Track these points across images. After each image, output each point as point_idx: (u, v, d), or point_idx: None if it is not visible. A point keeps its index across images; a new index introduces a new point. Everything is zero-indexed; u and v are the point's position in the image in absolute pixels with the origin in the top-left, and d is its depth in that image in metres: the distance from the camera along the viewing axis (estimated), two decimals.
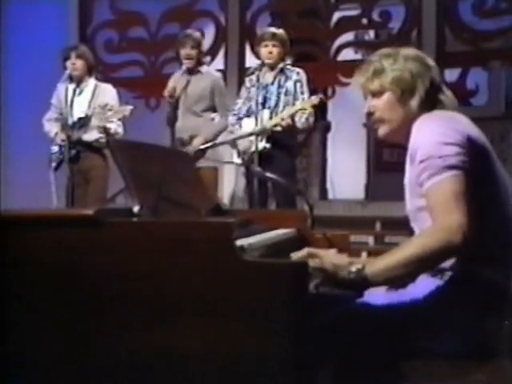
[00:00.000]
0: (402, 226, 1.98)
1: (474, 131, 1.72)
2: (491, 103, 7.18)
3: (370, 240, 5.99)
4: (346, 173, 7.26)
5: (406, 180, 1.79)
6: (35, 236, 1.55)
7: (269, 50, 4.46)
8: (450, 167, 1.60)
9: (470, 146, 1.64)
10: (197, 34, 4.87)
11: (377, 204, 6.14)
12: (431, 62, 1.83)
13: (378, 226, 6.01)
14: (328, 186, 7.11)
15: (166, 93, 4.74)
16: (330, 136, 7.11)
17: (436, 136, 1.65)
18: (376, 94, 1.82)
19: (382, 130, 1.84)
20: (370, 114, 1.85)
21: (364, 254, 5.00)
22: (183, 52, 4.75)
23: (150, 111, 6.85)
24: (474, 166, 1.62)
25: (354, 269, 1.59)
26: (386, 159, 6.87)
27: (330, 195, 7.17)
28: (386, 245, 5.73)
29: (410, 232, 1.80)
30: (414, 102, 1.77)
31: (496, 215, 1.67)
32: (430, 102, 1.77)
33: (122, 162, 1.75)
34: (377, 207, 6.06)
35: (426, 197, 1.63)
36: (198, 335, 1.45)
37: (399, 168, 1.93)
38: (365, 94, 1.87)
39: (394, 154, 6.56)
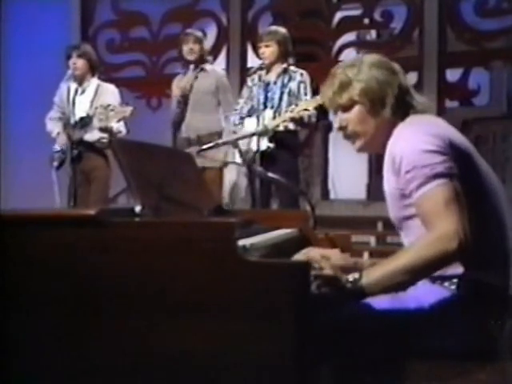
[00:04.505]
0: None
1: (455, 134, 1.71)
2: (493, 103, 7.17)
3: (372, 240, 5.98)
4: (347, 173, 7.25)
5: (386, 188, 1.76)
6: (37, 236, 1.55)
7: (261, 51, 4.47)
8: (438, 175, 1.58)
9: (453, 150, 1.63)
10: (198, 32, 4.96)
11: (378, 204, 6.11)
12: (396, 66, 1.80)
13: (379, 226, 6.00)
14: (330, 186, 7.10)
15: (179, 92, 4.72)
16: (331, 136, 7.09)
17: (418, 144, 1.63)
18: (346, 108, 1.78)
19: (358, 144, 1.82)
20: (341, 129, 1.81)
21: (366, 254, 5.00)
22: (186, 48, 4.79)
23: (152, 111, 6.85)
24: (459, 170, 1.61)
25: (350, 278, 1.59)
26: None
27: (332, 195, 7.16)
28: (388, 245, 5.73)
29: None
30: (386, 111, 1.74)
31: (488, 217, 1.66)
32: (402, 108, 1.75)
33: (124, 162, 1.75)
34: (378, 207, 6.03)
35: (417, 207, 1.63)
36: (198, 335, 1.45)
37: None
38: (334, 109, 1.82)
39: None
